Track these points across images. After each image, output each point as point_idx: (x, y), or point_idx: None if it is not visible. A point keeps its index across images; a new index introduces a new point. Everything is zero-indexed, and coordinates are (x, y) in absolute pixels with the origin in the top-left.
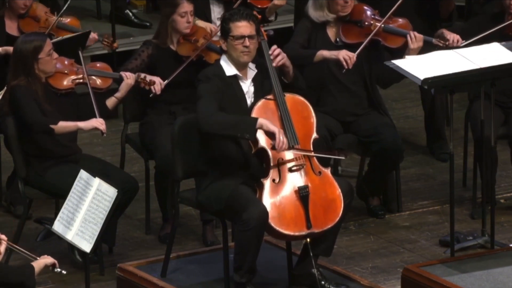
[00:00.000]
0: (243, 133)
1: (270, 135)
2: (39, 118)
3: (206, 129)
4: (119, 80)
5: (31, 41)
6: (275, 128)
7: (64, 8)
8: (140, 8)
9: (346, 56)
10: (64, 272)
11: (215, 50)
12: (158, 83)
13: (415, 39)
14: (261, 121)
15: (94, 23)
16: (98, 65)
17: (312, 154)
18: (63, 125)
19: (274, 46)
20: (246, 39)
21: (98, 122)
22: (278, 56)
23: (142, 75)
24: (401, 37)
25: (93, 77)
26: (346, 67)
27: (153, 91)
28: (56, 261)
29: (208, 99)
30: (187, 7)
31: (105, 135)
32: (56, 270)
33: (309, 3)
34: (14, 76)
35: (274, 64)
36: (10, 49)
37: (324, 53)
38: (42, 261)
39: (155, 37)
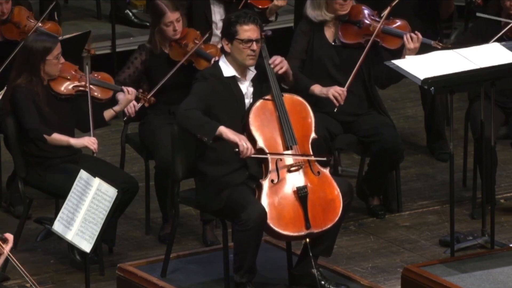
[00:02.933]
0: (203, 136)
1: (232, 144)
2: (36, 126)
3: (177, 122)
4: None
5: (42, 41)
6: (235, 137)
7: (45, 14)
8: (140, 8)
9: (335, 93)
10: None
11: (204, 57)
12: (132, 106)
13: (411, 39)
14: (222, 129)
15: (94, 23)
16: (101, 75)
17: (285, 155)
18: (56, 138)
19: (278, 57)
20: (254, 43)
21: (90, 141)
22: (279, 64)
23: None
24: (399, 38)
25: (94, 87)
26: (337, 104)
27: (127, 114)
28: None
29: (194, 97)
30: (171, 16)
31: (95, 154)
32: None
33: (307, 2)
34: (18, 72)
35: (276, 69)
36: None
37: (316, 90)
38: None
39: (149, 42)
